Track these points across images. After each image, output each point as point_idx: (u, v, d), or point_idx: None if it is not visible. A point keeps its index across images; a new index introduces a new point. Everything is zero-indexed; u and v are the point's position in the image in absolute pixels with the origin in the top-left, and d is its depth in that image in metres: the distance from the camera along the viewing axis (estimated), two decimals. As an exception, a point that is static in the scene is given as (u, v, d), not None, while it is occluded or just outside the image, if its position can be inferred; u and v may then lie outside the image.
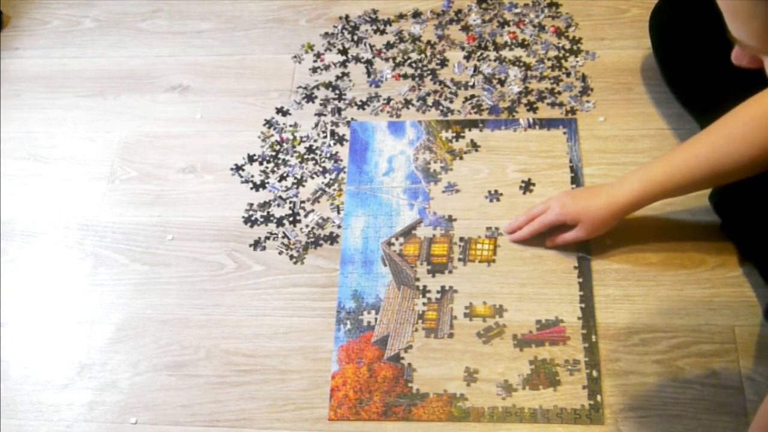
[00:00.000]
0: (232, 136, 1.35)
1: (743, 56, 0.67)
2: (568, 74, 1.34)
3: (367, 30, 1.45)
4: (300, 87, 1.39)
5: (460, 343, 1.11)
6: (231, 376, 1.12)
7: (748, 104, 1.00)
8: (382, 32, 1.44)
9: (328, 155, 1.31)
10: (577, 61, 1.36)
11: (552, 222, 1.13)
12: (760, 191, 1.04)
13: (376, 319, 1.14)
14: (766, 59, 0.67)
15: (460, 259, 1.17)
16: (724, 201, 1.12)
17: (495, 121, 1.30)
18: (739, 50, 0.66)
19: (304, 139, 1.33)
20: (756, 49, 0.65)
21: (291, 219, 1.24)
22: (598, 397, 1.04)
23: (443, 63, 1.39)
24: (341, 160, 1.30)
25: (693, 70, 1.17)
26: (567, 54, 1.37)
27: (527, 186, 1.23)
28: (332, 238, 1.22)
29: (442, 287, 1.15)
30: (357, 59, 1.41)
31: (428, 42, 1.42)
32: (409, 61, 1.40)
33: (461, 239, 1.19)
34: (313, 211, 1.25)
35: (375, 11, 1.47)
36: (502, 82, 1.35)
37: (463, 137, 1.29)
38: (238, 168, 1.31)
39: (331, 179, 1.28)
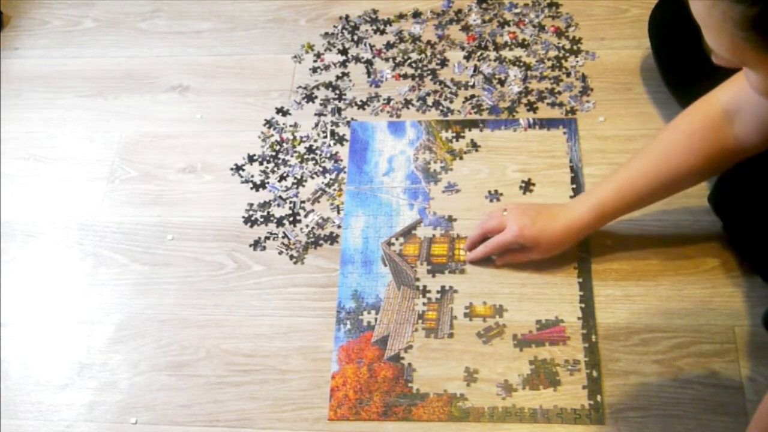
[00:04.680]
0: (232, 136, 1.35)
1: (721, 60, 0.69)
2: (568, 74, 1.34)
3: (367, 30, 1.45)
4: (300, 87, 1.39)
5: (460, 343, 1.11)
6: (231, 376, 1.12)
7: (688, 114, 1.00)
8: (382, 32, 1.44)
9: (328, 155, 1.30)
10: (577, 61, 1.36)
11: (510, 244, 1.11)
12: (759, 192, 1.04)
13: (376, 319, 1.14)
14: (744, 69, 0.69)
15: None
16: (723, 201, 1.12)
17: (495, 121, 1.30)
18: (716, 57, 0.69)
19: (304, 139, 1.33)
20: (728, 60, 0.67)
21: (291, 219, 1.24)
22: (598, 397, 1.04)
23: (443, 63, 1.39)
24: (341, 160, 1.30)
25: (692, 70, 1.17)
26: (567, 54, 1.37)
27: (527, 186, 1.23)
28: (332, 238, 1.22)
29: (442, 287, 1.15)
30: (357, 59, 1.41)
31: (428, 42, 1.42)
32: (409, 61, 1.40)
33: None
34: (313, 211, 1.25)
35: (375, 11, 1.47)
36: (502, 82, 1.35)
37: (463, 137, 1.29)
38: (238, 168, 1.31)
39: (331, 179, 1.28)
